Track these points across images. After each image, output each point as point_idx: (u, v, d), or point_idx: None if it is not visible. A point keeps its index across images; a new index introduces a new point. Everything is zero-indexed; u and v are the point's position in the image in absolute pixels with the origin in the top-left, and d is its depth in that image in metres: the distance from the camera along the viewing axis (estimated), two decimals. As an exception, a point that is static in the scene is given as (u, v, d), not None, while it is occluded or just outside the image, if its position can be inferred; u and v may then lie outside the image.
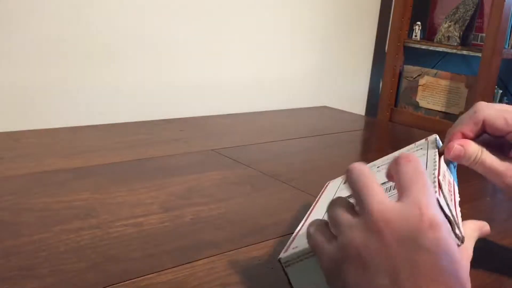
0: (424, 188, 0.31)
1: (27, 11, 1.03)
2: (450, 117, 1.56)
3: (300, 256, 0.35)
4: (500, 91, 1.71)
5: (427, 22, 1.76)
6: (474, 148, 0.41)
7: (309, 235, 0.34)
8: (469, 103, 1.58)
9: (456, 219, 0.33)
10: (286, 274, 0.35)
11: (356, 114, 1.27)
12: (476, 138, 0.42)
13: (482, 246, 0.50)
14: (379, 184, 0.32)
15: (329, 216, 0.34)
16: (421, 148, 0.45)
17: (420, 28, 1.71)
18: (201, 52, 1.31)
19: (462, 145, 0.41)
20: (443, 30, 1.65)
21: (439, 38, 1.66)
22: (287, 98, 1.52)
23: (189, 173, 0.66)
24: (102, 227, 0.48)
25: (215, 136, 0.86)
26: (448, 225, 0.31)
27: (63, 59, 1.09)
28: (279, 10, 1.46)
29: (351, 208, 0.33)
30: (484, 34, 1.59)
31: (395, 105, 1.77)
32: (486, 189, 0.69)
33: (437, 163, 0.39)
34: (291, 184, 0.65)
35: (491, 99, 1.56)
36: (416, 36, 1.71)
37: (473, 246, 0.36)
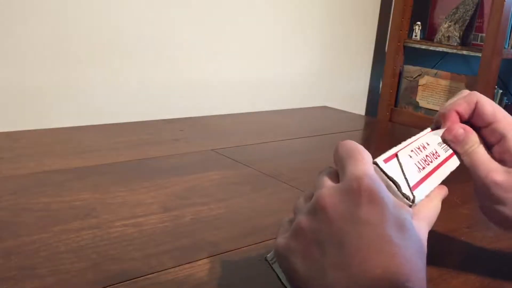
0: (358, 161, 0.31)
1: (27, 11, 1.03)
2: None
3: None
4: (500, 91, 1.71)
5: (427, 22, 1.77)
6: (474, 137, 0.40)
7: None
8: (469, 103, 1.58)
9: (406, 180, 0.33)
10: (274, 271, 0.36)
11: (356, 114, 1.27)
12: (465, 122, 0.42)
13: (482, 246, 0.51)
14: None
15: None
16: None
17: (420, 28, 1.71)
18: (201, 52, 1.31)
19: (464, 129, 0.40)
20: (443, 30, 1.65)
21: (439, 38, 1.66)
22: (287, 98, 1.52)
23: (189, 173, 0.66)
24: (102, 227, 0.48)
25: (215, 136, 0.86)
26: (395, 188, 0.32)
27: (63, 59, 1.09)
28: (279, 10, 1.46)
29: (308, 196, 0.34)
30: (484, 34, 1.59)
31: (395, 105, 1.77)
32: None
33: (415, 137, 0.39)
34: (291, 184, 0.65)
35: (491, 99, 1.56)
36: (416, 36, 1.71)
37: (433, 214, 0.35)
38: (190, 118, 0.99)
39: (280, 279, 0.36)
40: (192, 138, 0.83)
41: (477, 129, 0.41)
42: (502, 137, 0.40)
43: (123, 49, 1.17)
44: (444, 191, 0.37)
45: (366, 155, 0.32)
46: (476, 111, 0.41)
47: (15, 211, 0.51)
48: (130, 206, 0.53)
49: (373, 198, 0.29)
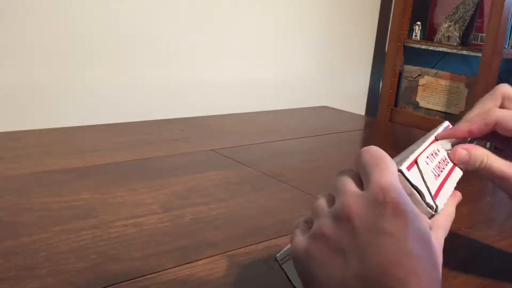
0: (384, 171, 0.31)
1: (27, 11, 1.03)
2: (450, 117, 1.56)
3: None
4: (500, 91, 1.70)
5: (427, 22, 1.76)
6: (480, 153, 0.39)
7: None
8: (469, 103, 1.58)
9: (428, 189, 0.33)
10: (284, 271, 0.35)
11: (356, 114, 1.27)
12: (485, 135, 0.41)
13: (482, 246, 0.51)
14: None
15: (311, 207, 0.35)
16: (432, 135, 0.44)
17: (420, 28, 1.71)
18: (201, 52, 1.31)
19: (466, 149, 0.40)
20: (443, 30, 1.65)
21: (439, 38, 1.66)
22: (287, 98, 1.52)
23: (189, 173, 0.66)
24: (102, 227, 0.48)
25: (215, 136, 0.86)
26: (419, 197, 0.32)
27: (63, 59, 1.09)
28: (279, 10, 1.46)
29: (329, 199, 0.34)
30: (484, 34, 1.59)
31: (395, 105, 1.77)
32: (486, 189, 0.69)
33: (426, 143, 0.39)
34: (291, 184, 0.65)
35: (491, 99, 1.55)
36: (416, 36, 1.71)
37: (449, 222, 0.36)
38: (190, 118, 0.99)
39: (289, 280, 0.35)
40: (192, 138, 0.83)
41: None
42: None
43: (123, 49, 1.17)
44: (458, 197, 0.37)
45: (391, 164, 0.32)
46: (498, 128, 0.40)
47: (15, 211, 0.51)
48: (130, 206, 0.53)
49: (398, 211, 0.29)
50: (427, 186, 0.34)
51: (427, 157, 0.37)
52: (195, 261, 0.43)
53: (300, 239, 0.32)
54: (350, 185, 0.32)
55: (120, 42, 1.16)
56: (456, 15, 1.64)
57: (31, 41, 1.04)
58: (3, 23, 1.00)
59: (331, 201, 0.33)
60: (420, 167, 0.35)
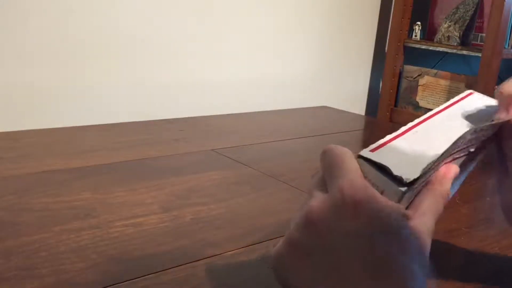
0: (342, 170, 0.30)
1: (27, 11, 1.03)
2: (450, 117, 1.56)
3: None
4: (500, 91, 1.71)
5: (427, 22, 1.77)
6: None
7: None
8: (469, 103, 1.58)
9: (399, 162, 0.31)
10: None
11: (356, 114, 1.27)
12: None
13: (482, 246, 0.51)
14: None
15: None
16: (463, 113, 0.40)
17: (420, 28, 1.71)
18: (201, 52, 1.31)
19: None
20: (443, 30, 1.65)
21: (439, 38, 1.66)
22: (287, 98, 1.52)
23: (189, 173, 0.65)
24: (102, 227, 0.48)
25: (215, 136, 0.86)
26: (383, 177, 0.30)
27: (63, 60, 1.09)
28: (279, 10, 1.46)
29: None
30: (484, 34, 1.59)
31: (395, 105, 1.77)
32: (486, 189, 0.69)
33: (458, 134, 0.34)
34: (291, 184, 0.65)
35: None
36: (416, 36, 1.71)
37: (440, 204, 0.33)
38: (190, 118, 0.99)
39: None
40: (192, 138, 0.83)
41: None
42: None
43: (123, 49, 1.17)
44: (452, 171, 0.34)
45: (350, 161, 0.31)
46: None
47: (16, 211, 0.50)
48: (130, 206, 0.53)
49: (358, 209, 0.28)
50: (399, 160, 0.31)
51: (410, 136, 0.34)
52: (195, 261, 0.43)
53: (275, 248, 0.33)
54: (315, 190, 0.32)
55: (120, 42, 1.16)
56: (456, 15, 1.64)
57: (31, 41, 1.04)
58: (3, 23, 1.00)
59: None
60: (392, 145, 0.33)
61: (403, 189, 0.30)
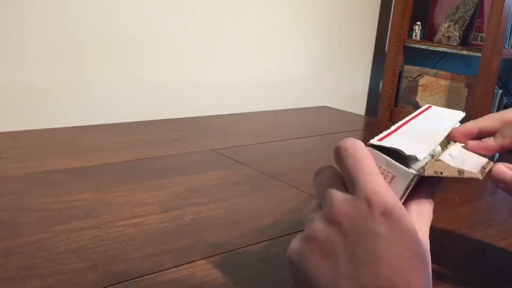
0: (368, 174, 0.32)
1: (27, 11, 1.03)
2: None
3: None
4: (500, 91, 1.71)
5: (427, 22, 1.77)
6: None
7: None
8: (469, 103, 1.58)
9: (409, 145, 0.33)
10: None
11: (356, 114, 1.27)
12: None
13: (482, 246, 0.51)
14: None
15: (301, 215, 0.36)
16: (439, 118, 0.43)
17: (420, 28, 1.71)
18: (201, 52, 1.31)
19: (509, 167, 0.37)
20: (443, 30, 1.65)
21: (439, 38, 1.66)
22: (287, 98, 1.52)
23: (189, 173, 0.66)
24: (102, 227, 0.48)
25: (215, 136, 0.86)
26: (394, 162, 0.33)
27: (63, 59, 1.09)
28: (279, 10, 1.46)
29: (317, 204, 0.34)
30: (484, 34, 1.59)
31: (395, 105, 1.77)
32: (486, 189, 0.69)
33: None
34: (291, 184, 0.65)
35: (491, 99, 1.56)
36: (416, 36, 1.71)
37: (431, 209, 0.34)
38: (190, 118, 0.99)
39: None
40: (192, 138, 0.83)
41: None
42: None
43: (123, 49, 1.17)
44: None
45: (374, 166, 0.32)
46: None
47: (15, 211, 0.51)
48: (130, 206, 0.53)
49: (386, 213, 0.30)
50: (407, 144, 0.34)
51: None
52: (195, 261, 0.43)
53: (294, 242, 0.33)
54: (335, 190, 0.33)
55: (120, 42, 1.16)
56: (456, 15, 1.64)
57: (31, 41, 1.04)
58: (3, 23, 1.00)
59: (319, 205, 0.34)
60: (399, 132, 0.36)
61: (414, 171, 0.33)
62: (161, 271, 0.41)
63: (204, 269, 0.42)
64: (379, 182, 0.31)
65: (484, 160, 0.38)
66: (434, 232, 0.51)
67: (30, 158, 0.67)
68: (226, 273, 0.42)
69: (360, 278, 0.29)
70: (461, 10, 1.64)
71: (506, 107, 1.77)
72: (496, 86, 1.60)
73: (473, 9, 1.62)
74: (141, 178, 0.62)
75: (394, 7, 1.71)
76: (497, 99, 1.70)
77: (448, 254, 0.48)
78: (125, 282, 0.39)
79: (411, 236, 0.30)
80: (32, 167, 0.63)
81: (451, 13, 1.65)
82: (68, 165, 0.65)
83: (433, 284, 0.41)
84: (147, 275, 0.41)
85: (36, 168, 0.63)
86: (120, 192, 0.57)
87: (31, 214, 0.50)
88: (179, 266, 0.42)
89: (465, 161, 0.37)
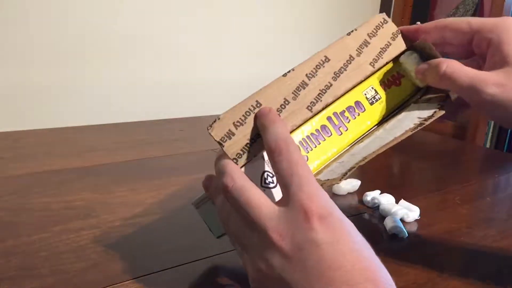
0: (302, 179, 0.30)
1: (27, 12, 1.03)
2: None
3: (206, 197, 0.39)
4: (500, 91, 1.71)
5: (427, 22, 1.77)
6: (439, 59, 0.37)
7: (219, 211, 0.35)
8: (469, 103, 1.58)
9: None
10: (200, 215, 0.39)
11: (356, 114, 1.27)
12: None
13: (482, 246, 0.51)
14: (258, 188, 0.32)
15: (227, 230, 0.34)
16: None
17: (420, 28, 1.71)
18: (202, 52, 1.31)
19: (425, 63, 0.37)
20: (443, 30, 1.65)
21: (439, 38, 1.66)
22: (287, 98, 1.52)
23: (189, 173, 0.65)
24: (102, 227, 0.48)
25: (215, 136, 0.85)
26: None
27: (63, 60, 1.09)
28: (279, 10, 1.46)
29: (245, 224, 0.32)
30: (484, 34, 1.59)
31: (395, 105, 1.77)
32: (486, 189, 0.69)
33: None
34: (291, 184, 0.64)
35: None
36: (416, 36, 1.71)
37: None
38: (190, 118, 0.99)
39: (205, 222, 0.40)
40: (192, 138, 0.83)
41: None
42: (489, 42, 0.37)
43: (123, 49, 1.17)
44: None
45: (306, 168, 0.31)
46: (449, 35, 0.39)
47: (15, 211, 0.51)
48: (130, 206, 0.53)
49: (323, 218, 0.29)
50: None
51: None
52: (195, 261, 0.43)
53: (249, 270, 0.32)
54: (262, 205, 0.31)
55: (120, 42, 1.16)
56: (456, 15, 1.64)
57: (31, 41, 1.04)
58: (4, 23, 1.00)
59: (243, 220, 0.32)
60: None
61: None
62: (161, 271, 0.41)
63: (204, 269, 0.42)
64: (312, 187, 0.30)
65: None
66: (434, 232, 0.51)
67: (30, 158, 0.67)
68: (226, 272, 0.42)
69: None
70: (461, 10, 1.64)
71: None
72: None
73: (473, 9, 1.62)
74: (141, 178, 0.62)
75: (394, 7, 1.71)
76: (497, 99, 1.70)
77: (448, 254, 0.48)
78: (125, 282, 0.39)
79: (349, 233, 0.29)
80: (32, 167, 0.63)
81: (451, 13, 1.65)
82: (68, 165, 0.65)
83: (433, 284, 0.41)
84: (147, 275, 0.41)
85: (36, 168, 0.63)
86: (120, 192, 0.57)
87: (31, 214, 0.50)
88: (179, 266, 0.42)
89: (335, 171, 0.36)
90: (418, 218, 0.54)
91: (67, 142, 0.76)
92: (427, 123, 0.37)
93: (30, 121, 1.06)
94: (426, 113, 0.37)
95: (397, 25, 0.40)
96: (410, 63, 0.39)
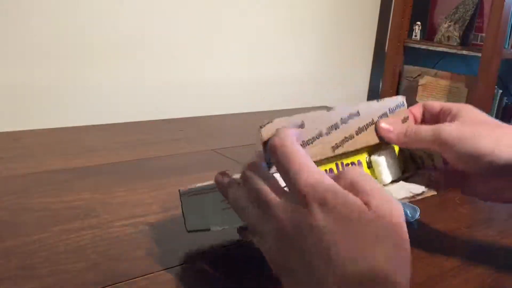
0: (299, 166, 0.31)
1: (27, 11, 1.03)
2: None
3: (202, 191, 0.40)
4: (500, 91, 1.71)
5: (427, 22, 1.77)
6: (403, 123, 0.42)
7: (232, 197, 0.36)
8: (469, 103, 1.58)
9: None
10: (181, 205, 0.39)
11: (356, 114, 1.26)
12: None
13: (482, 246, 0.51)
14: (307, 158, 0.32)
15: (248, 188, 0.34)
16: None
17: (420, 28, 1.71)
18: (201, 52, 1.31)
19: (388, 123, 0.41)
20: (443, 30, 1.65)
21: (439, 38, 1.66)
22: (287, 98, 1.52)
23: (189, 173, 0.65)
24: (102, 227, 0.48)
25: (215, 136, 0.85)
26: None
27: (63, 59, 1.09)
28: (279, 10, 1.46)
29: (272, 184, 0.33)
30: (484, 34, 1.59)
31: (395, 105, 1.77)
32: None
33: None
34: (291, 184, 0.64)
35: (491, 99, 1.56)
36: (416, 36, 1.71)
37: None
38: (190, 118, 0.99)
39: (183, 213, 0.41)
40: (192, 138, 0.83)
41: None
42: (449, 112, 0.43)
43: (123, 49, 1.17)
44: None
45: (303, 155, 0.31)
46: (425, 112, 0.45)
47: (15, 211, 0.51)
48: (130, 206, 0.53)
49: (325, 205, 0.29)
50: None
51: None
52: (195, 261, 0.43)
53: (271, 253, 0.33)
54: (269, 192, 0.32)
55: (120, 42, 1.16)
56: (456, 15, 1.64)
57: (32, 41, 1.04)
58: (4, 23, 1.00)
59: (257, 209, 0.33)
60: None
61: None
62: (161, 270, 0.41)
63: (204, 268, 0.42)
64: (311, 173, 0.30)
65: None
66: (434, 232, 0.51)
67: (30, 158, 0.67)
68: (227, 272, 0.42)
69: (332, 275, 0.27)
70: (461, 10, 1.64)
71: (506, 107, 1.77)
72: (496, 86, 1.60)
73: (473, 9, 1.62)
74: (141, 178, 0.62)
75: (394, 7, 1.71)
76: (497, 99, 1.70)
77: (448, 254, 0.48)
78: (125, 282, 0.39)
79: (359, 214, 0.29)
80: (32, 167, 0.63)
81: (451, 13, 1.65)
82: (68, 165, 0.65)
83: (433, 283, 0.41)
84: (147, 275, 0.41)
85: (36, 168, 0.63)
86: (120, 192, 0.57)
87: (31, 214, 0.50)
88: (179, 266, 0.42)
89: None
90: (418, 218, 0.54)
91: (67, 142, 0.76)
92: (419, 198, 0.41)
93: (30, 121, 1.06)
94: (415, 190, 0.42)
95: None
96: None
